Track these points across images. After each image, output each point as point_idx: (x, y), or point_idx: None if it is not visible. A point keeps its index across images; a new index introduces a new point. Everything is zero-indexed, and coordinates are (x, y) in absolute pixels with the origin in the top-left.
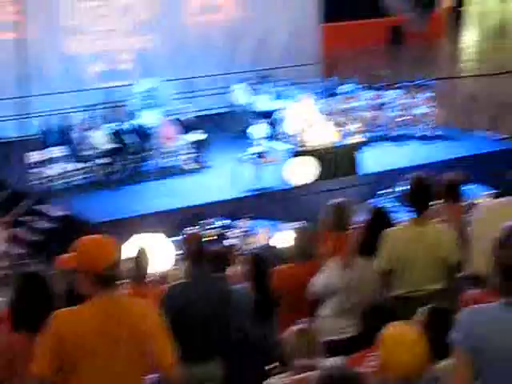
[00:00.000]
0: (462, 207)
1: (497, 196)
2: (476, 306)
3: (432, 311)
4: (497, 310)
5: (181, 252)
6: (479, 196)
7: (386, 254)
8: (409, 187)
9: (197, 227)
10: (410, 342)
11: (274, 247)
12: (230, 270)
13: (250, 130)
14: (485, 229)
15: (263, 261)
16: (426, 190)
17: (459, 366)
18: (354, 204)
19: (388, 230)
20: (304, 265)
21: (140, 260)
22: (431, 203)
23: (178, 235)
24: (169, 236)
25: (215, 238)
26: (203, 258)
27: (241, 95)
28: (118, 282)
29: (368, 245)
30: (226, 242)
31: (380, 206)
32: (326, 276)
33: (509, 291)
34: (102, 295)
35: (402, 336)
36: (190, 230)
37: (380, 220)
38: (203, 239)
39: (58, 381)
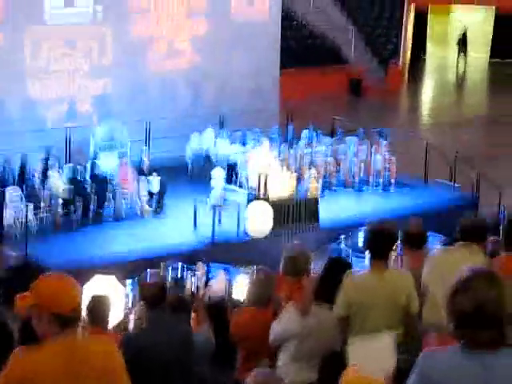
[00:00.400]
0: (423, 255)
1: (448, 243)
2: (434, 349)
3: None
4: (453, 357)
5: (136, 297)
6: (435, 245)
7: (344, 300)
8: (369, 233)
9: (154, 271)
10: None
11: (232, 293)
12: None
13: (209, 175)
14: (437, 277)
15: (222, 306)
16: (387, 236)
17: None
18: (312, 250)
19: (347, 275)
20: (262, 310)
21: (99, 306)
22: (391, 250)
23: (135, 279)
24: (124, 280)
25: (173, 283)
26: (162, 302)
27: (201, 141)
28: (80, 322)
29: (325, 291)
30: (183, 288)
31: (337, 253)
32: (283, 322)
33: (463, 337)
34: (65, 335)
35: (360, 381)
36: (148, 275)
37: (337, 267)
38: (162, 284)
39: None
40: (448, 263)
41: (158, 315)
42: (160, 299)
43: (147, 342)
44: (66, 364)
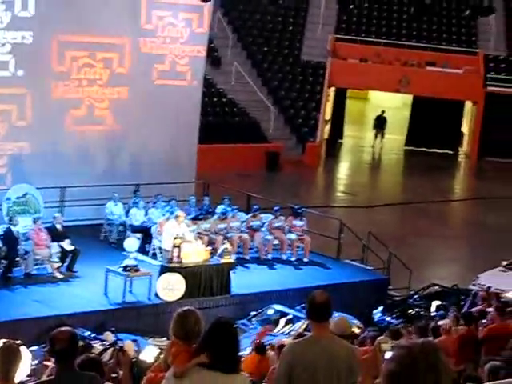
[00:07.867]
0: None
1: None
2: None
3: None
4: None
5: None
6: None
7: (285, 368)
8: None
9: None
10: None
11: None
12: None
13: (122, 243)
14: None
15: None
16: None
17: None
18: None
19: (289, 343)
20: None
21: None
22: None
23: (41, 345)
24: (31, 344)
25: (80, 348)
26: (72, 356)
27: (115, 208)
28: None
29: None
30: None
31: (224, 317)
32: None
33: None
34: None
35: None
36: (59, 329)
37: (220, 331)
38: (73, 336)
39: None
40: None
41: (67, 367)
42: (70, 353)
43: None
44: None
